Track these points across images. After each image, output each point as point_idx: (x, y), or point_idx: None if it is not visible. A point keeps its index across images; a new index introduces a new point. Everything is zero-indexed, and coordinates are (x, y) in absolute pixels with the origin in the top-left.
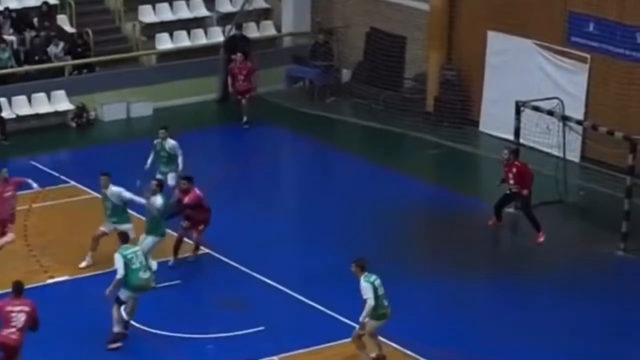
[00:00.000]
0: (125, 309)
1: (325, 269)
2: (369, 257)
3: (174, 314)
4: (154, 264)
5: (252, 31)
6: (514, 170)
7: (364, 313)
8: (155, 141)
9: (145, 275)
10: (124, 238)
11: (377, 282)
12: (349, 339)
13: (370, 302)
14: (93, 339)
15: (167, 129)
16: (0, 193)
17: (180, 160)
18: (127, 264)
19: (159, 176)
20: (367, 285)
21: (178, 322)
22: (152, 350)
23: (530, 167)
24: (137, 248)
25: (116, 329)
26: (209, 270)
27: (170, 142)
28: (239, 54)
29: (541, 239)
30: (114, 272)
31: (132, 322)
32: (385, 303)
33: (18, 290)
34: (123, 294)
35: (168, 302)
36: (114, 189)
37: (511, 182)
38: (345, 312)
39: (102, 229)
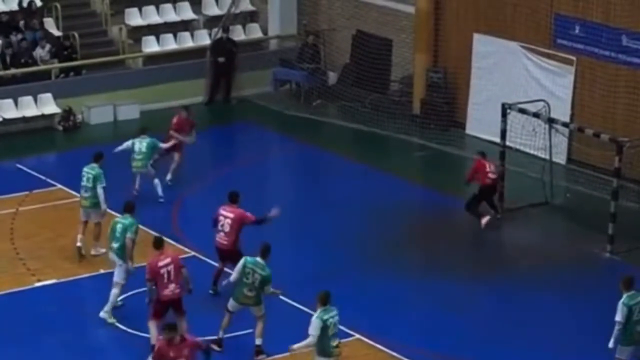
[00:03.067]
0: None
1: (313, 271)
2: (358, 259)
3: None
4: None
5: (238, 34)
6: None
7: (301, 344)
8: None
9: (249, 293)
10: (263, 251)
11: (331, 320)
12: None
13: (312, 339)
14: (80, 343)
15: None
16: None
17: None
18: (242, 274)
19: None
20: (317, 322)
21: None
22: (144, 354)
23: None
24: (259, 263)
25: (257, 341)
26: (196, 273)
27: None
28: (183, 112)
29: (485, 219)
30: (101, 275)
31: (121, 326)
32: (333, 343)
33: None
34: (230, 303)
35: None
36: None
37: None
38: None
39: None
